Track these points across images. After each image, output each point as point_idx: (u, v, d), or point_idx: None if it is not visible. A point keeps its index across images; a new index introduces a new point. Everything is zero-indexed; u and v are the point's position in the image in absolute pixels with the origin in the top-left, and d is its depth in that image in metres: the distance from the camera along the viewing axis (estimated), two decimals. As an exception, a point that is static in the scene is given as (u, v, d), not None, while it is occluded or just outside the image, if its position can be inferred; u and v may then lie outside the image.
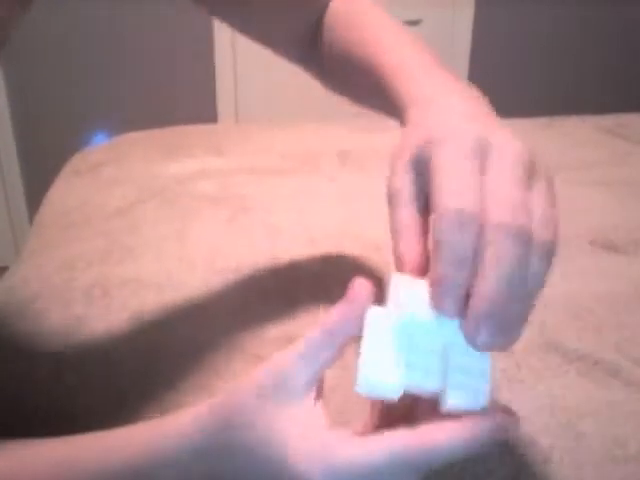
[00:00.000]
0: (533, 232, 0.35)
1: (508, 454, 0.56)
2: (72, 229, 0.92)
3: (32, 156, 2.35)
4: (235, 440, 0.38)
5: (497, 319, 0.35)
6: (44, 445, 0.45)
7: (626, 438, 0.58)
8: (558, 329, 0.70)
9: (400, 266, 0.39)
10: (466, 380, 0.37)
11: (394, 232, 0.39)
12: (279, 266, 0.81)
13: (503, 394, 0.62)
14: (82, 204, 0.99)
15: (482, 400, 0.37)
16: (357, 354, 0.37)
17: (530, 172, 0.37)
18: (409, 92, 0.45)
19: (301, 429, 0.36)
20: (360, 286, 0.38)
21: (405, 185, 0.39)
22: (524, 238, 0.35)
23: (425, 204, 0.39)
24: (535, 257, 0.35)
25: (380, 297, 0.39)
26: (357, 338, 0.38)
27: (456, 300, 0.35)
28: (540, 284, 0.36)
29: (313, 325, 0.38)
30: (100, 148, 1.20)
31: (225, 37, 2.25)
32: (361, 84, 0.54)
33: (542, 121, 1.30)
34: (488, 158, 0.37)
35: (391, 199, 0.40)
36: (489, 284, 0.34)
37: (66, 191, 1.04)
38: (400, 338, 0.37)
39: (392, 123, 0.50)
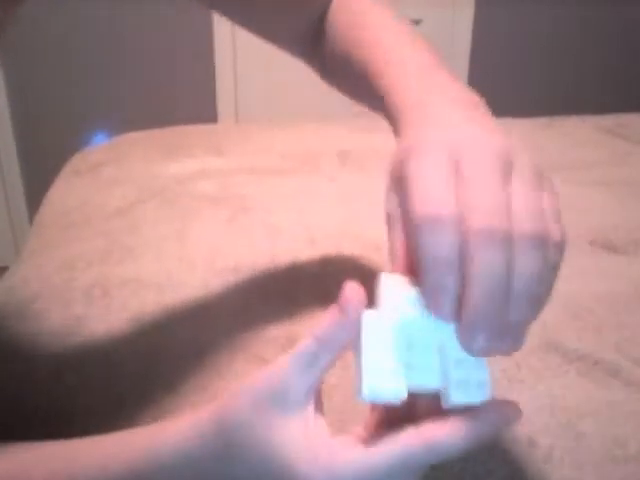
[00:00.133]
0: (515, 231, 0.35)
1: (508, 454, 0.56)
2: (72, 229, 0.92)
3: (32, 156, 2.35)
4: (235, 456, 0.37)
5: (491, 325, 0.35)
6: (43, 449, 0.44)
7: (626, 438, 0.58)
8: (558, 329, 0.70)
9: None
10: (466, 375, 0.37)
11: (390, 255, 0.40)
12: (279, 266, 0.81)
13: (503, 394, 0.62)
14: (82, 204, 0.99)
15: (485, 393, 0.37)
16: (354, 358, 0.37)
17: (508, 167, 0.37)
18: (403, 104, 0.45)
19: (303, 441, 0.36)
20: (352, 291, 0.37)
21: (393, 205, 0.39)
22: (505, 241, 0.34)
23: None
24: (522, 256, 0.35)
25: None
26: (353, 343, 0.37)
27: (449, 304, 0.35)
28: (533, 282, 0.35)
29: (312, 327, 0.38)
30: (100, 148, 1.20)
31: (225, 37, 2.25)
32: (360, 86, 0.54)
33: (542, 121, 1.30)
34: (462, 163, 0.37)
35: (386, 220, 0.40)
36: (476, 291, 0.34)
37: (66, 191, 1.04)
38: (397, 340, 0.37)
39: (392, 123, 0.50)
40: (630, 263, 0.83)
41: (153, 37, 2.25)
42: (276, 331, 0.70)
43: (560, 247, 0.37)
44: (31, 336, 0.70)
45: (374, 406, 0.41)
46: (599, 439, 0.58)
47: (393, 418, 0.39)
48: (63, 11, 2.17)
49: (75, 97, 2.29)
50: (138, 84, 2.31)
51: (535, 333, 0.69)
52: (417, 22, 2.25)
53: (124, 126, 1.35)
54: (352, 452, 0.36)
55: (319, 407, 0.39)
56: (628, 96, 2.42)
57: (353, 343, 0.37)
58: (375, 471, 0.35)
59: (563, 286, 0.76)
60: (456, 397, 0.36)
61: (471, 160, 0.37)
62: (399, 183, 0.39)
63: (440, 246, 0.35)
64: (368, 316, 0.37)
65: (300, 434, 0.36)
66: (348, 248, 0.84)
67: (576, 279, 0.79)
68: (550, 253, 0.36)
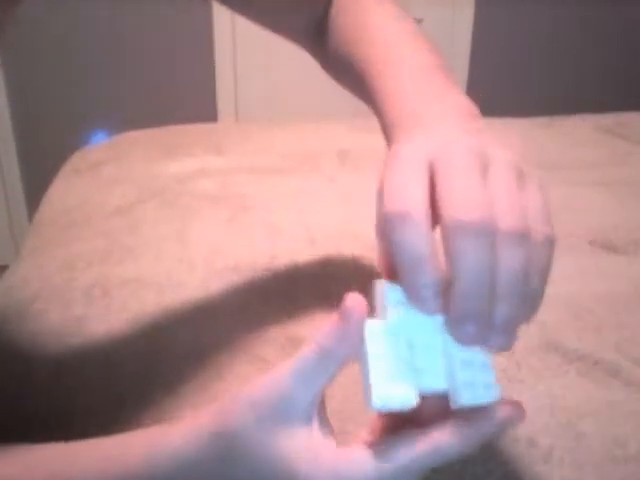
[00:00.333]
0: (497, 226, 0.35)
1: (508, 454, 0.56)
2: (72, 228, 0.92)
3: (32, 155, 2.35)
4: (236, 463, 0.37)
5: (479, 316, 0.35)
6: (43, 451, 0.44)
7: (626, 438, 0.58)
8: (558, 329, 0.70)
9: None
10: (473, 375, 0.37)
11: (379, 266, 0.40)
12: (279, 266, 0.81)
13: (503, 394, 0.62)
14: (82, 203, 0.99)
15: (494, 393, 0.37)
16: (360, 367, 0.37)
17: (485, 165, 0.38)
18: (395, 120, 0.45)
19: (307, 449, 0.36)
20: (353, 301, 0.36)
21: (380, 218, 0.40)
22: (486, 232, 0.35)
23: None
24: (504, 251, 0.35)
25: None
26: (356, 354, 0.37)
27: (431, 298, 0.35)
28: (518, 277, 0.36)
29: (313, 334, 0.37)
30: (100, 147, 1.20)
31: (225, 37, 2.25)
32: (358, 85, 0.54)
33: (542, 121, 1.30)
34: (436, 163, 0.37)
35: (375, 233, 0.41)
36: (460, 283, 0.35)
37: (66, 190, 1.04)
38: (402, 345, 0.37)
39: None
40: (630, 263, 0.83)
41: (153, 37, 2.25)
42: (276, 331, 0.70)
43: (548, 246, 0.37)
44: (31, 336, 0.70)
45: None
46: (599, 439, 0.58)
47: (397, 421, 0.39)
48: (63, 11, 2.17)
49: (75, 97, 2.29)
50: (138, 84, 2.31)
51: (535, 333, 0.69)
52: (417, 22, 2.24)
53: (124, 125, 1.34)
54: (358, 457, 0.36)
55: (323, 412, 0.39)
56: (628, 96, 2.42)
57: (357, 353, 0.37)
58: (381, 476, 0.35)
59: (563, 286, 0.77)
60: (465, 398, 0.36)
61: (446, 159, 0.37)
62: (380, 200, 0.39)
63: (411, 242, 0.35)
64: (370, 325, 0.37)
65: (304, 443, 0.36)
66: (348, 248, 0.84)
67: (576, 279, 0.79)
68: (536, 251, 0.36)
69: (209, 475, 0.38)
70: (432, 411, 0.38)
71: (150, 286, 0.77)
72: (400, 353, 0.36)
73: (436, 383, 0.37)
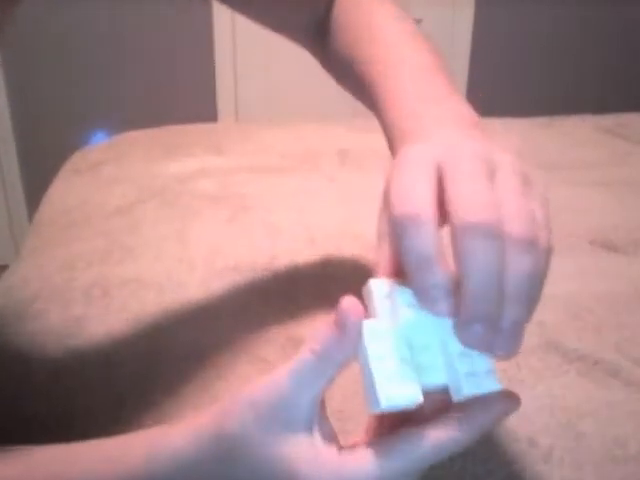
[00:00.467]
0: (506, 231, 0.36)
1: (508, 454, 0.56)
2: (72, 228, 0.92)
3: (32, 155, 2.35)
4: (236, 465, 0.37)
5: (487, 319, 0.35)
6: (43, 452, 0.44)
7: (626, 438, 0.58)
8: (558, 329, 0.70)
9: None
10: (473, 366, 0.37)
11: (375, 270, 0.40)
12: (279, 266, 0.81)
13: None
14: (82, 203, 0.99)
15: (495, 382, 0.37)
16: (360, 370, 0.37)
17: (491, 171, 0.38)
18: (397, 126, 0.45)
19: (309, 451, 0.36)
20: (349, 304, 0.36)
21: (383, 224, 0.40)
22: (495, 234, 0.35)
23: None
24: (513, 256, 0.35)
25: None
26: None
27: (443, 299, 0.36)
28: (543, 285, 0.37)
29: (310, 338, 0.37)
30: (100, 147, 1.20)
31: (225, 37, 2.25)
32: (358, 87, 0.54)
33: (542, 121, 1.30)
34: (444, 168, 0.38)
35: (377, 238, 0.41)
36: (470, 283, 0.35)
37: (66, 190, 1.04)
38: (400, 344, 0.37)
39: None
40: (630, 263, 0.83)
41: (153, 37, 2.25)
42: (276, 331, 0.70)
43: (547, 253, 0.37)
44: (30, 336, 0.70)
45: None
46: (599, 439, 0.58)
47: (394, 419, 0.39)
48: (63, 11, 2.17)
49: (75, 96, 2.29)
50: (138, 84, 2.31)
51: (535, 333, 0.69)
52: (417, 22, 2.24)
53: (124, 125, 1.34)
54: (360, 458, 0.36)
55: (323, 413, 0.38)
56: (628, 96, 2.42)
57: (357, 354, 0.37)
58: (383, 475, 0.35)
59: (563, 286, 0.77)
60: (468, 389, 0.36)
61: (453, 162, 0.37)
62: (386, 200, 0.39)
63: (420, 243, 0.35)
64: (367, 326, 0.36)
65: (304, 444, 0.36)
66: (348, 248, 0.84)
67: (576, 279, 0.79)
68: (540, 257, 0.36)
69: (209, 476, 0.38)
70: (429, 407, 0.38)
71: (150, 286, 0.77)
72: (400, 352, 0.36)
73: (437, 378, 0.37)
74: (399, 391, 0.35)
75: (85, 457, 0.43)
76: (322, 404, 0.38)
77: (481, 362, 0.37)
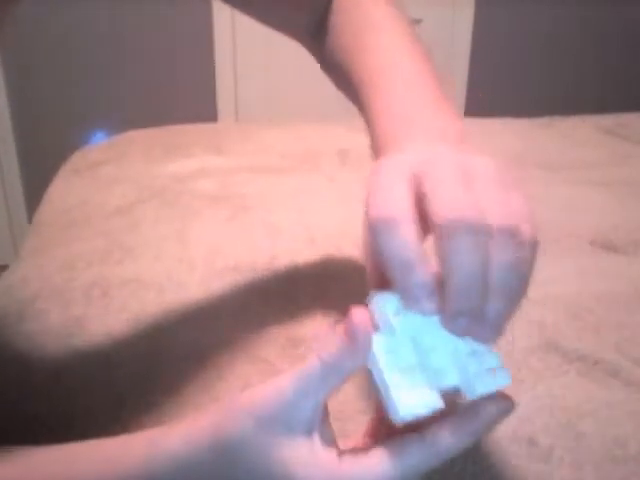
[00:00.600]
0: (487, 223, 0.36)
1: (508, 454, 0.56)
2: (72, 228, 0.92)
3: (32, 155, 2.35)
4: (237, 472, 0.37)
5: (472, 311, 0.36)
6: (42, 453, 0.44)
7: (626, 438, 0.58)
8: (558, 329, 0.70)
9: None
10: (483, 364, 0.37)
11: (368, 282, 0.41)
12: (279, 266, 0.81)
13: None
14: (82, 203, 0.99)
15: (507, 377, 0.38)
16: (373, 381, 0.37)
17: (468, 175, 0.38)
18: (382, 140, 0.46)
19: (309, 457, 0.36)
20: (360, 316, 0.36)
21: (367, 239, 0.40)
22: (476, 228, 0.35)
23: None
24: (496, 246, 0.36)
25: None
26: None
27: (426, 298, 0.36)
28: (529, 277, 0.37)
29: (314, 333, 0.37)
30: (99, 147, 1.20)
31: (225, 37, 2.25)
32: (351, 92, 0.55)
33: (542, 121, 1.30)
34: (422, 175, 0.38)
35: (363, 253, 0.41)
36: (454, 281, 0.35)
37: (65, 190, 1.04)
38: (411, 351, 0.37)
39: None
40: (630, 263, 0.83)
41: (153, 37, 2.25)
42: (276, 331, 0.70)
43: (533, 245, 0.37)
44: (31, 336, 0.70)
45: (377, 413, 0.41)
46: (599, 439, 0.58)
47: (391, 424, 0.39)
48: (63, 11, 2.17)
49: (75, 96, 2.29)
50: (138, 84, 2.31)
51: (535, 333, 0.69)
52: (417, 22, 2.24)
53: (124, 125, 1.34)
54: (361, 464, 0.36)
55: (325, 419, 0.39)
56: (628, 96, 2.42)
57: (368, 368, 0.37)
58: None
59: (563, 286, 0.77)
60: (481, 388, 0.37)
61: (430, 170, 0.38)
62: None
63: (398, 245, 0.36)
64: (377, 338, 0.37)
65: (304, 451, 0.36)
66: (348, 248, 0.84)
67: (576, 279, 0.79)
68: (523, 249, 0.36)
69: (208, 478, 0.38)
70: None
71: (150, 286, 0.77)
72: (411, 360, 0.37)
73: (450, 379, 0.37)
74: (418, 400, 0.36)
75: (85, 458, 0.43)
76: (324, 409, 0.38)
77: (490, 359, 0.38)
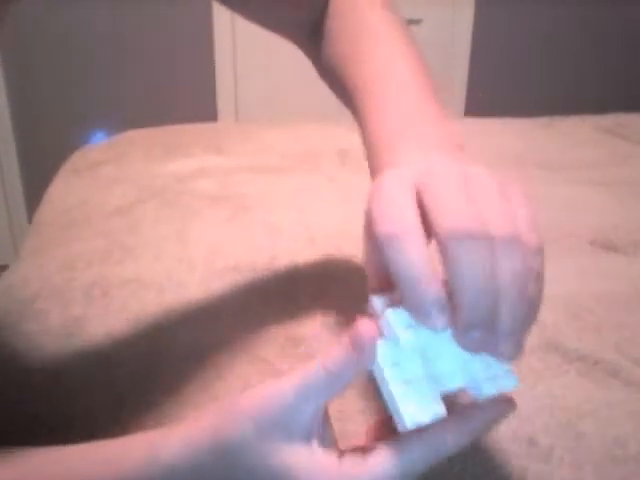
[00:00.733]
0: (490, 233, 0.36)
1: (508, 454, 0.56)
2: (72, 228, 0.92)
3: (32, 155, 2.35)
4: (237, 474, 0.37)
5: (485, 323, 0.35)
6: (42, 455, 0.44)
7: (626, 438, 0.58)
8: (558, 329, 0.70)
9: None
10: (489, 366, 0.38)
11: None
12: (279, 266, 0.81)
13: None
14: (82, 203, 0.99)
15: (514, 379, 0.38)
16: (378, 388, 0.37)
17: (469, 186, 0.38)
18: (377, 147, 0.46)
19: (309, 465, 0.36)
20: (365, 327, 0.36)
21: (368, 255, 0.41)
22: (481, 239, 0.35)
23: None
24: (502, 255, 0.36)
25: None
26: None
27: (438, 314, 0.36)
28: (542, 285, 0.37)
29: (314, 333, 0.37)
30: (99, 146, 1.20)
31: (225, 37, 2.25)
32: (347, 99, 0.55)
33: (542, 121, 1.30)
34: (421, 187, 0.38)
35: (365, 265, 0.41)
36: (464, 292, 0.35)
37: (65, 190, 1.04)
38: (415, 358, 0.37)
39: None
40: (630, 263, 0.83)
41: (153, 37, 2.25)
42: (276, 331, 0.70)
43: (538, 253, 0.37)
44: (30, 336, 0.70)
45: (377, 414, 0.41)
46: (599, 439, 0.58)
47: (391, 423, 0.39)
48: (63, 11, 2.17)
49: (75, 96, 2.29)
50: (138, 83, 2.31)
51: (535, 333, 0.69)
52: (417, 22, 2.25)
53: (124, 125, 1.35)
54: (360, 465, 0.36)
55: (326, 422, 0.39)
56: (628, 96, 2.42)
57: (375, 377, 0.37)
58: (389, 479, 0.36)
59: (563, 286, 0.77)
60: (488, 389, 0.37)
61: (430, 181, 0.38)
62: (368, 226, 0.40)
63: (410, 260, 0.35)
64: (382, 348, 0.37)
65: (305, 455, 0.36)
66: (348, 248, 0.84)
67: (576, 279, 0.79)
68: (530, 256, 0.36)
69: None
70: None
71: (150, 286, 0.77)
72: (416, 366, 0.37)
73: (455, 382, 0.38)
74: (422, 410, 0.36)
75: (84, 460, 0.43)
76: (325, 412, 0.38)
77: (497, 361, 0.38)
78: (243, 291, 0.77)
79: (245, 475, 0.37)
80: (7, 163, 2.34)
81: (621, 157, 1.14)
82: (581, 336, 0.69)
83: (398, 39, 0.54)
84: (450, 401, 0.37)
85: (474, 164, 0.40)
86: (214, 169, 1.07)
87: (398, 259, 0.36)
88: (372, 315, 0.39)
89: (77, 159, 1.15)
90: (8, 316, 0.73)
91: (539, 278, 0.37)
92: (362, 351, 0.36)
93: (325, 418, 0.38)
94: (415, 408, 0.36)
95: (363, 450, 0.37)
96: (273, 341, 0.68)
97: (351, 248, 0.83)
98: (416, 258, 0.35)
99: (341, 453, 0.37)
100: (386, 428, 0.39)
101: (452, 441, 0.36)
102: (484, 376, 0.37)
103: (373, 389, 0.61)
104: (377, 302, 0.38)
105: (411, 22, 2.14)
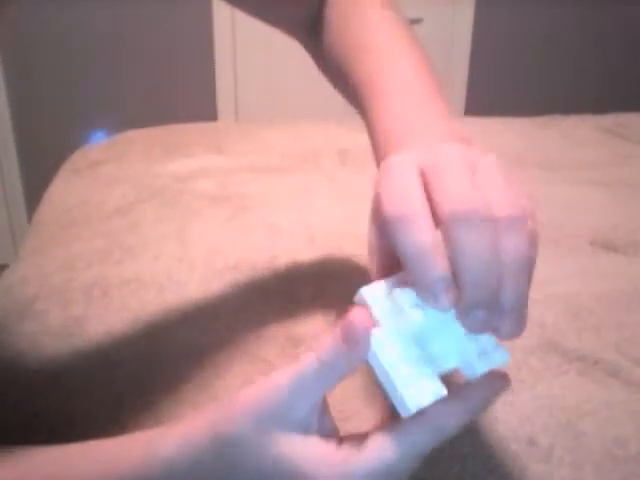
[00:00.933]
0: (494, 213, 0.36)
1: (508, 454, 0.56)
2: (72, 228, 0.92)
3: (32, 155, 2.35)
4: (238, 470, 0.38)
5: (488, 302, 0.36)
6: (42, 454, 0.44)
7: (626, 438, 0.58)
8: (558, 329, 0.70)
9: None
10: (481, 343, 0.38)
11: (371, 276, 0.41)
12: (279, 266, 0.81)
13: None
14: (81, 203, 0.99)
15: (505, 354, 0.38)
16: (375, 376, 0.37)
17: (472, 168, 0.39)
18: (383, 140, 0.46)
19: (311, 456, 0.36)
20: (359, 316, 0.36)
21: (373, 237, 0.41)
22: (484, 219, 0.36)
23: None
24: (506, 234, 0.36)
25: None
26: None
27: (445, 293, 0.36)
28: (532, 269, 0.37)
29: (313, 333, 0.38)
30: (99, 146, 1.20)
31: (225, 37, 2.25)
32: (350, 93, 0.55)
33: (542, 120, 1.30)
34: (427, 170, 0.39)
35: (368, 251, 0.42)
36: (467, 272, 0.35)
37: (65, 189, 1.04)
38: (410, 341, 0.37)
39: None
40: (630, 263, 0.83)
41: (153, 37, 2.25)
42: (276, 330, 0.70)
43: (534, 238, 0.38)
44: (30, 336, 0.70)
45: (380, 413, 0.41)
46: (599, 439, 0.58)
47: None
48: (63, 11, 2.17)
49: (75, 96, 2.29)
50: (138, 83, 2.31)
51: (535, 333, 0.69)
52: (417, 21, 2.25)
53: (124, 125, 1.34)
54: (359, 451, 0.36)
55: (325, 412, 0.39)
56: (628, 96, 2.42)
57: (370, 365, 0.37)
58: (389, 463, 0.36)
59: (563, 286, 0.77)
60: (481, 367, 0.38)
61: (435, 164, 0.38)
62: (376, 210, 0.40)
63: (418, 239, 0.36)
64: (376, 336, 0.37)
65: (305, 446, 0.36)
66: (348, 248, 0.84)
67: (576, 279, 0.79)
68: (531, 237, 0.37)
69: (207, 479, 0.39)
70: None
71: (150, 286, 0.77)
72: (411, 351, 0.37)
73: (450, 362, 0.38)
74: (424, 392, 0.36)
75: (84, 459, 0.43)
76: (323, 402, 0.38)
77: (487, 338, 0.38)
78: (243, 291, 0.77)
79: (244, 471, 0.37)
80: (7, 163, 2.34)
81: (621, 157, 1.14)
82: (581, 336, 0.69)
83: (401, 37, 0.54)
84: (446, 382, 0.38)
85: (479, 150, 0.41)
86: (214, 169, 1.07)
87: (406, 238, 0.36)
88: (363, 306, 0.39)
89: (77, 159, 1.15)
90: (8, 316, 0.73)
91: (532, 261, 0.37)
92: (356, 341, 0.36)
93: (324, 407, 0.38)
94: (415, 391, 0.36)
95: (363, 437, 0.37)
96: (273, 341, 0.68)
97: (351, 248, 0.83)
98: (423, 236, 0.36)
99: (340, 440, 0.37)
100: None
101: (452, 422, 0.36)
102: (476, 353, 0.38)
103: (373, 389, 0.61)
104: (367, 292, 0.38)
105: (411, 21, 2.13)
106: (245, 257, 0.82)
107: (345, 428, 0.40)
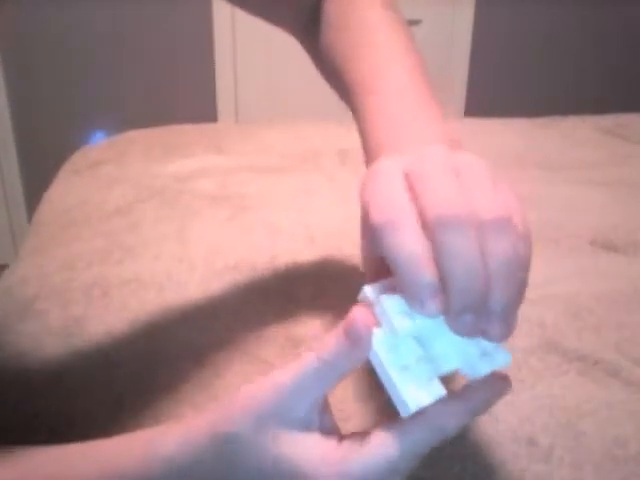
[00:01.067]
0: (479, 217, 0.36)
1: (508, 454, 0.56)
2: (72, 228, 0.92)
3: (32, 155, 2.35)
4: (238, 469, 0.38)
5: (476, 307, 0.36)
6: (42, 454, 0.44)
7: (626, 438, 0.58)
8: (558, 329, 0.70)
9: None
10: (482, 345, 0.38)
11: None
12: (279, 266, 0.81)
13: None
14: (81, 203, 0.99)
15: (507, 356, 0.38)
16: (376, 376, 0.37)
17: (457, 171, 0.38)
18: (375, 146, 0.47)
19: (312, 455, 0.36)
20: (361, 315, 0.36)
21: (366, 251, 0.42)
22: (469, 223, 0.36)
23: None
24: (491, 238, 0.36)
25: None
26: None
27: (432, 299, 0.36)
28: (509, 262, 0.37)
29: (313, 333, 0.38)
30: (99, 146, 1.20)
31: (225, 37, 2.25)
32: (344, 95, 0.55)
33: (542, 121, 1.30)
34: (412, 175, 0.38)
35: (362, 264, 0.42)
36: (454, 277, 0.35)
37: (65, 189, 1.04)
38: (411, 342, 0.37)
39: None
40: (630, 263, 0.83)
41: (153, 37, 2.25)
42: (275, 330, 0.70)
43: (526, 238, 0.38)
44: (30, 336, 0.70)
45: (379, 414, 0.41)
46: (599, 439, 0.58)
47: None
48: (63, 11, 2.17)
49: (75, 96, 2.29)
50: (138, 83, 2.31)
51: (535, 333, 0.69)
52: (417, 22, 2.25)
53: (124, 125, 1.34)
54: (360, 449, 0.36)
55: (326, 410, 0.39)
56: (628, 96, 2.42)
57: (371, 365, 0.37)
58: (391, 460, 0.36)
59: (563, 286, 0.77)
60: (484, 368, 0.38)
61: (420, 169, 0.38)
62: (364, 218, 0.40)
63: (404, 245, 0.36)
64: (378, 335, 0.37)
65: (306, 445, 0.36)
66: (348, 248, 0.84)
67: (576, 279, 0.79)
68: (518, 240, 0.37)
69: (207, 478, 0.39)
70: None
71: (150, 286, 0.77)
72: (412, 352, 0.37)
73: (451, 364, 0.38)
74: (423, 392, 0.36)
75: (84, 459, 0.43)
76: (324, 401, 0.39)
77: (490, 346, 0.38)
78: (243, 291, 0.77)
79: (244, 469, 0.37)
80: (7, 163, 2.34)
81: (621, 157, 1.14)
82: (581, 336, 0.69)
83: (398, 39, 0.54)
84: (448, 384, 0.38)
85: (465, 152, 0.40)
86: (214, 169, 1.07)
87: (393, 244, 0.36)
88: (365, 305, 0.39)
89: (77, 159, 1.15)
90: (8, 316, 0.73)
91: (525, 261, 0.37)
92: (357, 340, 0.36)
93: (325, 406, 0.39)
94: (416, 391, 0.36)
95: (364, 435, 0.37)
96: (273, 341, 0.68)
97: (351, 248, 0.83)
98: (410, 242, 0.36)
99: (341, 438, 0.37)
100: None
101: (452, 422, 0.36)
102: (477, 354, 0.38)
103: (373, 388, 0.61)
104: (370, 290, 0.38)
105: (411, 22, 2.14)
106: (245, 257, 0.82)
107: (345, 428, 0.40)
